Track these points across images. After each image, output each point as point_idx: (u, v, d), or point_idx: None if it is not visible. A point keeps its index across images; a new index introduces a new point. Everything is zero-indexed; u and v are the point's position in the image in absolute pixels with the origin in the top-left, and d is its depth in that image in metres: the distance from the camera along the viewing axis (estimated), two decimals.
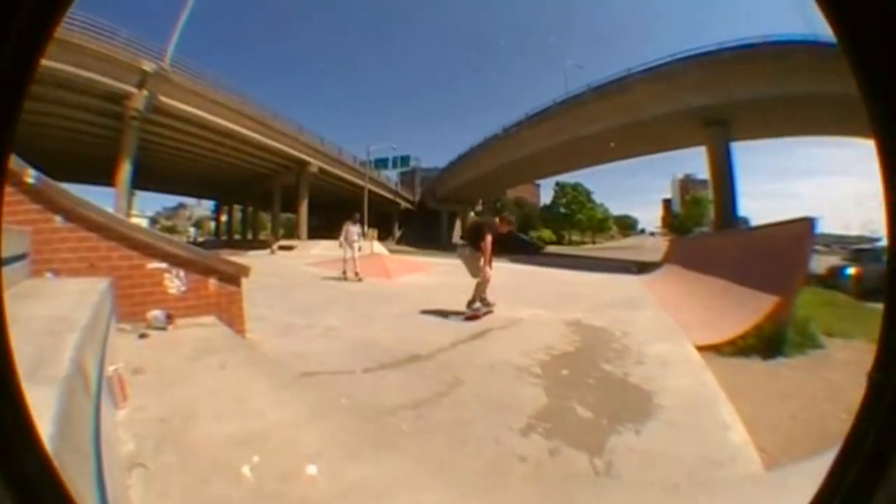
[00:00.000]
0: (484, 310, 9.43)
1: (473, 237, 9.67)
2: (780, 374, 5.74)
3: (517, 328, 8.05)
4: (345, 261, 16.21)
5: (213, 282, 6.56)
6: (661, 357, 6.07)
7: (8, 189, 4.97)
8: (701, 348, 6.37)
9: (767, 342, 6.33)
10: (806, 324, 6.93)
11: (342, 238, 16.43)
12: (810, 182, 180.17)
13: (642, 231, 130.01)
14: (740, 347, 6.36)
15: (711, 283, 10.38)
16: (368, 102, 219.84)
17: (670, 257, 21.30)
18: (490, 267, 9.51)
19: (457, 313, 9.11)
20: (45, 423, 1.52)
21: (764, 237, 9.79)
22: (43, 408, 1.62)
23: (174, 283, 6.28)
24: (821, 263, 17.08)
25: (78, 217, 5.68)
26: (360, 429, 3.54)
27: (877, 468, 0.94)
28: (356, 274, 15.80)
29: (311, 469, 2.61)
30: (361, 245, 16.56)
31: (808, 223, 7.32)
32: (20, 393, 1.04)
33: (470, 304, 9.36)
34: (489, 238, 9.28)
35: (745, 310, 7.20)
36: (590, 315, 9.13)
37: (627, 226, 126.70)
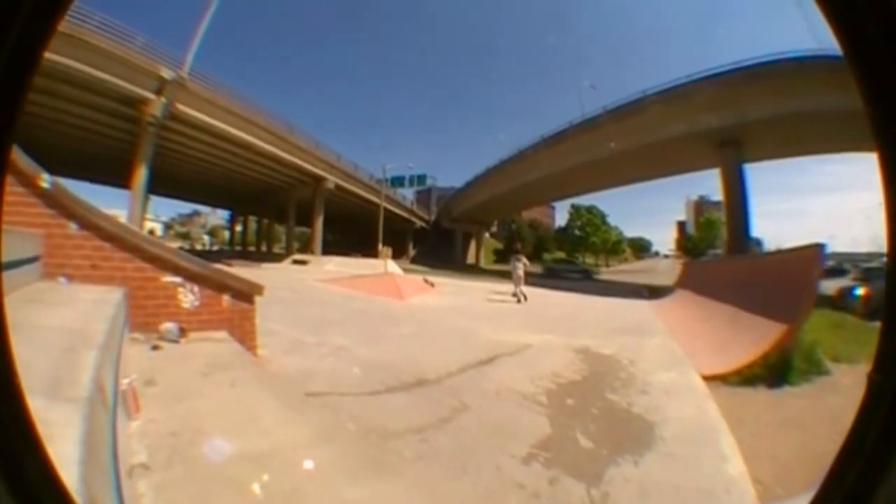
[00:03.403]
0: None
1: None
2: (783, 403, 5.74)
3: (525, 354, 8.06)
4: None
5: (226, 298, 6.62)
6: (666, 387, 6.10)
7: (20, 191, 5.18)
8: (707, 378, 6.38)
9: (773, 371, 6.31)
10: (812, 350, 6.89)
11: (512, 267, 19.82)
12: (822, 200, 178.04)
13: (656, 253, 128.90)
14: (746, 377, 6.34)
15: (721, 309, 10.33)
16: (387, 121, 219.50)
17: (682, 282, 21.18)
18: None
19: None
20: (72, 444, 1.66)
21: (773, 263, 9.80)
22: (67, 428, 1.77)
23: (188, 297, 6.33)
24: (832, 284, 16.97)
25: (92, 225, 5.78)
26: (364, 452, 3.59)
27: (877, 468, 0.96)
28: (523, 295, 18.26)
29: (308, 464, 2.80)
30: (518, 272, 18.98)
31: (816, 250, 7.33)
32: (21, 395, 1.06)
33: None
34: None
35: (753, 338, 7.17)
36: (598, 342, 9.15)
37: (641, 248, 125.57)
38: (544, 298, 19.18)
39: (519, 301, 17.67)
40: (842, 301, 16.07)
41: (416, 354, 7.72)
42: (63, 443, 1.64)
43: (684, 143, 37.91)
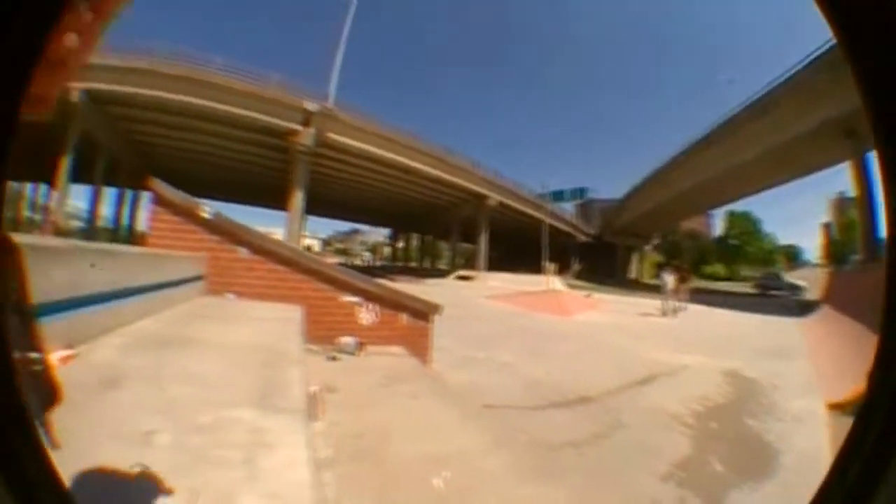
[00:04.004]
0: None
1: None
2: None
3: (680, 376, 8.45)
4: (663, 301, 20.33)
5: (404, 317, 7.42)
6: (798, 414, 6.31)
7: (175, 219, 6.31)
8: (832, 406, 6.46)
9: None
10: None
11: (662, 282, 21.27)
12: None
13: (807, 262, 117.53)
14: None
15: (851, 329, 10.25)
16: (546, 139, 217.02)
17: (826, 296, 20.37)
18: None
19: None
20: (300, 448, 2.11)
21: None
22: (291, 434, 2.23)
23: (366, 315, 7.18)
24: None
25: (264, 251, 6.75)
26: (531, 460, 4.06)
27: (877, 468, 0.95)
28: (674, 310, 19.65)
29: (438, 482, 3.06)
30: (670, 287, 20.49)
31: None
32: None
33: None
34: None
35: (866, 364, 6.92)
36: (745, 364, 9.37)
37: (792, 256, 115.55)
38: (697, 316, 19.17)
39: (665, 315, 18.93)
40: None
41: (578, 372, 8.22)
42: (291, 448, 2.08)
43: (811, 137, 33.12)
